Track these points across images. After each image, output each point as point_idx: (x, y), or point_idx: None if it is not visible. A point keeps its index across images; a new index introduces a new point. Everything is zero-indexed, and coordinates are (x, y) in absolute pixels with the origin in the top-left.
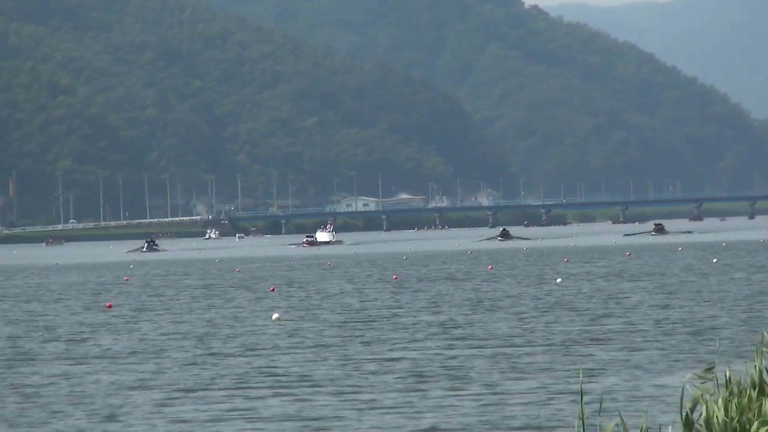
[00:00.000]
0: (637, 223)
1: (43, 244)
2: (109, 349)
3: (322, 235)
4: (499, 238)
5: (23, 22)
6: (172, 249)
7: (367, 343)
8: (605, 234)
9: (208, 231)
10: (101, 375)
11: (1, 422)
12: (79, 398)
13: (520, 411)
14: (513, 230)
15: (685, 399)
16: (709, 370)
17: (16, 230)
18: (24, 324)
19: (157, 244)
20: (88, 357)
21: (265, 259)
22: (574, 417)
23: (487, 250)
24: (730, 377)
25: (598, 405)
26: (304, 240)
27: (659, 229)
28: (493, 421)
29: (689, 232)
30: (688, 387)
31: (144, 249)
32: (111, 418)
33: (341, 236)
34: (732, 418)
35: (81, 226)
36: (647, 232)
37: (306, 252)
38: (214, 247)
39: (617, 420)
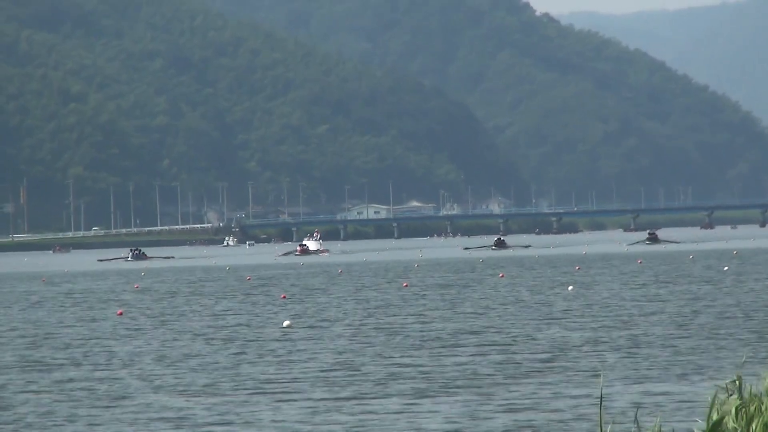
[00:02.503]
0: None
1: (50, 251)
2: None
3: (309, 244)
4: (493, 247)
5: (35, 30)
6: (168, 256)
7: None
8: (613, 242)
9: (227, 238)
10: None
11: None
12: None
13: (541, 416)
14: (524, 238)
15: (702, 406)
16: (734, 381)
17: (27, 237)
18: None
19: (143, 253)
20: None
21: (275, 266)
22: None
23: (503, 258)
24: (745, 385)
25: (619, 411)
26: (297, 249)
27: (653, 238)
28: (511, 427)
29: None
30: (708, 394)
31: (129, 258)
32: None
33: (350, 245)
34: (741, 426)
35: (102, 233)
36: (642, 241)
37: (316, 260)
38: (218, 254)
39: (634, 426)
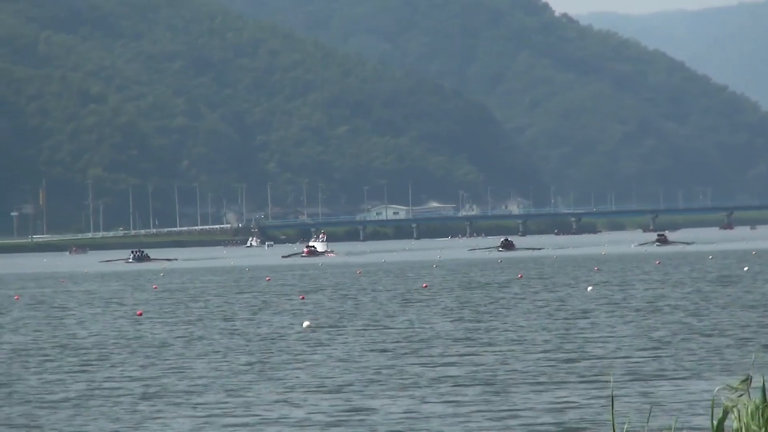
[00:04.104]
0: (667, 231)
1: (67, 252)
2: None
3: (316, 246)
4: (500, 249)
5: (54, 31)
6: (170, 258)
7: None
8: (622, 243)
9: (250, 239)
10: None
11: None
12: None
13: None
14: (543, 239)
15: (715, 407)
16: (744, 380)
17: (46, 238)
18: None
19: (146, 255)
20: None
21: (293, 267)
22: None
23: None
24: (764, 386)
25: (632, 411)
26: (304, 250)
27: (662, 240)
28: (526, 428)
29: (690, 243)
30: (719, 395)
31: (130, 260)
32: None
33: (368, 245)
34: (760, 427)
35: (122, 233)
36: (651, 242)
37: (334, 261)
38: (236, 255)
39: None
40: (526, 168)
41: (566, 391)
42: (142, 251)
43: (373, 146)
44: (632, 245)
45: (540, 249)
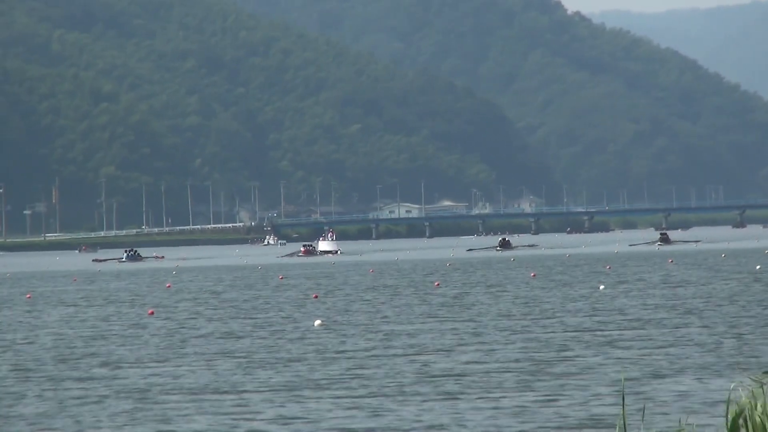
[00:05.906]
0: (679, 230)
1: (76, 251)
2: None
3: (323, 245)
4: (498, 248)
5: (66, 30)
6: (159, 256)
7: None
8: (616, 243)
9: (267, 237)
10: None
11: None
12: None
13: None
14: (556, 237)
15: (731, 403)
16: (760, 377)
17: (59, 236)
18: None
19: (139, 254)
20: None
21: (305, 265)
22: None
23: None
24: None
25: (644, 408)
26: (301, 249)
27: (664, 239)
28: (538, 423)
29: (697, 241)
30: (736, 391)
31: (123, 259)
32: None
33: (381, 244)
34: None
35: (134, 232)
36: (653, 242)
37: (347, 259)
38: (250, 254)
39: (662, 423)
40: (538, 167)
41: (576, 389)
42: (135, 250)
43: (385, 145)
44: (628, 245)
45: (534, 246)
